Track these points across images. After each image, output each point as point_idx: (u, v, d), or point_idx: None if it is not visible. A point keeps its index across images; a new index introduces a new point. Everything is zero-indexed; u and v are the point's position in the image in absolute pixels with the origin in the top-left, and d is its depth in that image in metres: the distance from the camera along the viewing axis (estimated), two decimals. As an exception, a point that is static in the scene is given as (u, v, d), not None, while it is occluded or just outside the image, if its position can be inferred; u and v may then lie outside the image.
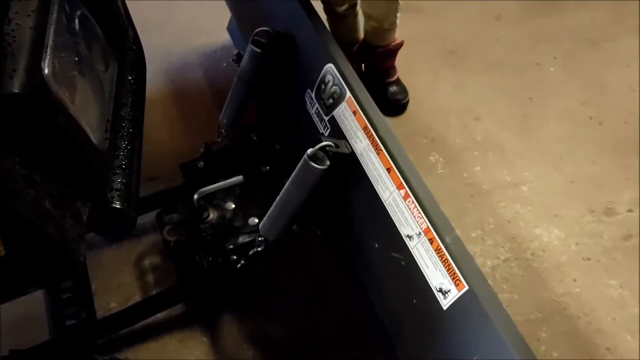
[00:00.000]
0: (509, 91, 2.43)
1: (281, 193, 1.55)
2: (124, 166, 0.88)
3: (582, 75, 2.48)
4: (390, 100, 2.42)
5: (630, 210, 2.05)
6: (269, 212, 1.61)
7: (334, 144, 1.48)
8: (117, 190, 0.84)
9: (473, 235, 2.01)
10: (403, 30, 2.45)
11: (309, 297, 1.87)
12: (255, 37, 1.76)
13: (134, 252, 2.01)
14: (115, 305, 1.88)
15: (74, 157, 0.86)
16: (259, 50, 1.74)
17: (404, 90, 2.44)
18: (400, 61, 2.52)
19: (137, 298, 1.91)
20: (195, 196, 1.77)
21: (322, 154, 1.46)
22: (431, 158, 2.23)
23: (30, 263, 0.91)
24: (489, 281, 1.86)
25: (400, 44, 2.37)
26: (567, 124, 2.31)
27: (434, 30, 2.72)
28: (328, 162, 1.45)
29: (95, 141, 0.83)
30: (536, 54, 2.57)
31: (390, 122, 2.36)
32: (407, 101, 2.44)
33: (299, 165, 1.47)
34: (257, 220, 1.79)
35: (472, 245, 1.98)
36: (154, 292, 1.91)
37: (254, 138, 1.92)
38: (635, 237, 1.99)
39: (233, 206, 1.84)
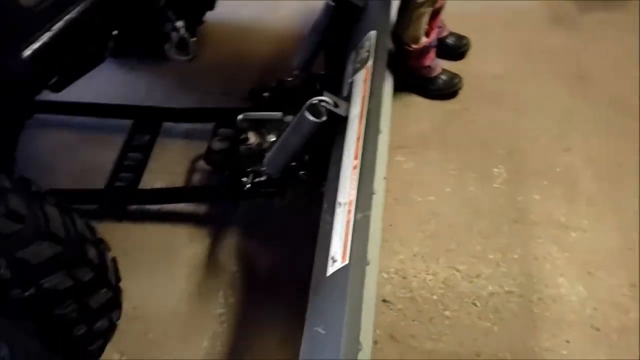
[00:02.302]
0: (617, 134, 2.19)
1: (283, 134, 1.67)
2: (49, 31, 1.05)
3: None
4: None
5: (680, 302, 1.78)
6: (272, 148, 1.74)
7: (334, 102, 1.54)
8: (31, 43, 1.03)
9: (491, 256, 1.91)
10: (549, 41, 2.30)
11: (304, 242, 1.96)
12: (332, -8, 1.85)
13: (196, 152, 2.26)
14: (159, 186, 2.17)
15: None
16: (332, 4, 1.83)
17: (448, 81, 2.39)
18: (527, 70, 2.41)
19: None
20: (239, 117, 1.95)
21: (323, 108, 1.53)
22: (495, 170, 2.13)
23: None
24: (478, 305, 1.81)
25: (420, 49, 2.24)
26: (665, 190, 2.03)
27: (577, 49, 2.51)
28: (324, 118, 1.53)
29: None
30: (676, 106, 2.25)
31: (474, 125, 2.28)
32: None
33: (299, 113, 1.56)
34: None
35: (483, 266, 1.89)
36: (190, 187, 2.18)
37: (317, 86, 2.02)
38: (669, 328, 1.73)
39: (273, 139, 1.98)
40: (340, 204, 1.33)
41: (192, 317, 1.86)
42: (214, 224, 2.07)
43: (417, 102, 2.37)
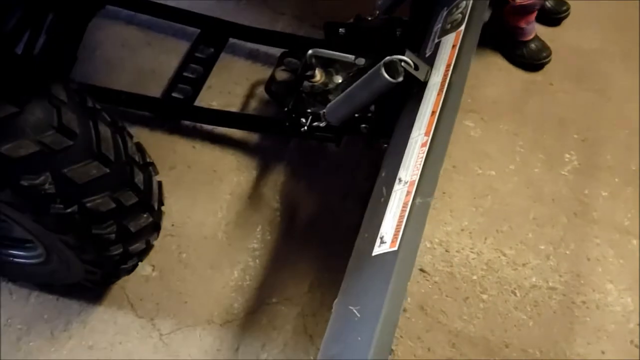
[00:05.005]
0: None
1: (351, 85, 1.56)
2: None
3: None
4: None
5: None
6: (336, 97, 1.64)
7: (415, 64, 1.42)
8: None
9: (542, 247, 1.82)
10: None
11: (350, 194, 1.91)
12: None
13: (257, 76, 2.17)
14: (215, 105, 2.11)
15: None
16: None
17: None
18: (625, 50, 2.20)
19: (234, 110, 2.11)
20: (309, 52, 1.84)
21: (402, 69, 1.42)
22: (567, 156, 1.99)
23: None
24: (518, 295, 1.74)
25: (524, 5, 2.06)
26: None
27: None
28: (401, 79, 1.41)
29: None
30: None
31: (554, 101, 2.12)
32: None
33: (374, 67, 1.45)
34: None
35: (532, 256, 1.81)
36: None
37: (397, 33, 1.88)
38: None
39: (340, 81, 1.88)
40: (400, 180, 1.25)
41: (227, 246, 1.85)
42: (263, 155, 2.01)
43: (498, 66, 2.20)
